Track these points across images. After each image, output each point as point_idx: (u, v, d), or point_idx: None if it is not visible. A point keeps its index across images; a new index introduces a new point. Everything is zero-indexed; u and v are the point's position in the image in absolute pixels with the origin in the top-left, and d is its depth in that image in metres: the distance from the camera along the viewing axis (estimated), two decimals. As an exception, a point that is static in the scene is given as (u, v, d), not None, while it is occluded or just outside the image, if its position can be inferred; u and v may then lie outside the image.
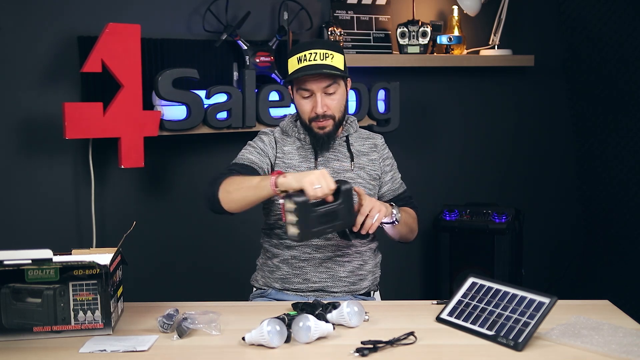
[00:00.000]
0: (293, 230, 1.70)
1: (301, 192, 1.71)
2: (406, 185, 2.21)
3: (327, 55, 1.95)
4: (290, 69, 1.99)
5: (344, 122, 2.12)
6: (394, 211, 1.96)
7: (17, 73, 2.45)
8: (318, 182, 1.70)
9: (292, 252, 2.03)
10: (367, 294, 2.11)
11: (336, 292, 2.03)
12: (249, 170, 1.97)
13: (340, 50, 2.01)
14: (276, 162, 2.06)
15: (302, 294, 2.03)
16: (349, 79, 2.08)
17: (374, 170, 2.11)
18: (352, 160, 2.08)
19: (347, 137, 2.11)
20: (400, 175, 2.21)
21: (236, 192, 1.83)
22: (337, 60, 1.97)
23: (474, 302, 1.68)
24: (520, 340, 1.52)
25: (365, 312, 1.70)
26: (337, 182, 1.76)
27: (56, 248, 1.68)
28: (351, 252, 2.04)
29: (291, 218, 1.69)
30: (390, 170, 2.16)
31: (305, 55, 1.95)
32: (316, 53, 1.95)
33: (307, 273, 2.02)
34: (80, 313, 1.61)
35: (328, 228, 1.76)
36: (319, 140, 2.03)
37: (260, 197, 1.80)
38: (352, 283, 2.05)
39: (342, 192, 1.76)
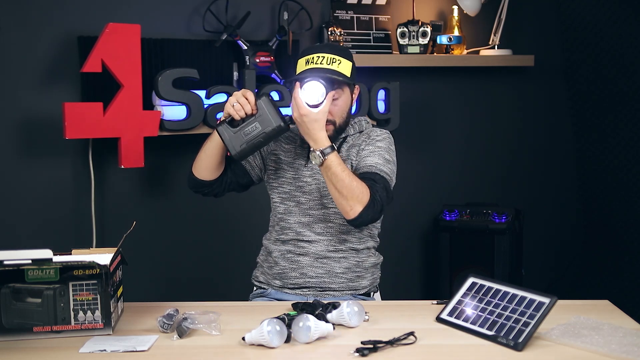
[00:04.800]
0: (229, 153, 1.92)
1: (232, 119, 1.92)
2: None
3: (334, 60, 1.96)
4: (298, 69, 2.00)
5: (349, 125, 2.11)
6: (318, 151, 1.84)
7: (17, 73, 2.45)
8: (235, 100, 1.88)
9: (287, 246, 2.07)
10: (367, 294, 2.11)
11: (335, 290, 2.04)
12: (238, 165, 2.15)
13: (349, 57, 2.01)
14: (270, 157, 2.14)
15: (300, 291, 2.04)
16: (357, 86, 2.08)
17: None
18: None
19: (345, 137, 2.10)
20: (379, 161, 1.99)
21: (199, 157, 2.05)
22: (344, 66, 1.97)
23: (474, 302, 1.68)
24: (520, 340, 1.52)
25: (365, 312, 1.70)
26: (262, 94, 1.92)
27: (56, 248, 1.68)
28: (345, 248, 2.05)
29: (222, 143, 1.93)
30: (364, 150, 2.03)
31: (313, 58, 1.96)
32: (324, 57, 1.96)
33: (303, 267, 2.04)
34: (80, 313, 1.61)
35: (255, 139, 1.89)
36: None
37: (214, 143, 2.00)
38: (350, 280, 2.05)
39: (257, 103, 1.90)
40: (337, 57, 1.97)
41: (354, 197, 1.85)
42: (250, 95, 1.88)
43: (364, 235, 2.09)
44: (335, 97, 1.97)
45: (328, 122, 1.97)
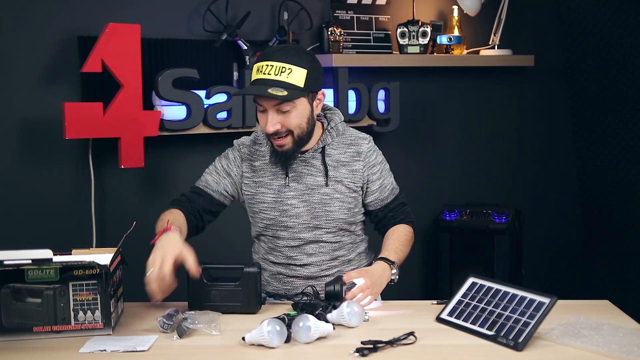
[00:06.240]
0: (188, 302, 1.78)
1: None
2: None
3: (284, 70, 1.76)
4: (252, 77, 1.82)
5: (325, 130, 1.94)
6: (393, 272, 1.91)
7: (17, 73, 2.45)
8: (152, 265, 1.72)
9: (277, 267, 1.98)
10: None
11: None
12: (201, 197, 1.98)
13: (304, 63, 1.79)
14: (244, 181, 1.96)
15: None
16: (321, 91, 1.87)
17: (354, 182, 1.94)
18: (326, 175, 1.92)
19: (323, 147, 1.93)
20: (392, 178, 2.03)
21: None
22: (295, 75, 1.76)
23: (474, 302, 1.68)
24: (520, 340, 1.52)
25: (365, 312, 1.70)
26: (245, 264, 1.76)
27: (56, 248, 1.68)
28: (338, 263, 1.98)
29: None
30: (378, 178, 1.97)
31: (263, 66, 1.78)
32: (272, 66, 1.76)
33: (298, 288, 1.95)
34: (80, 313, 1.61)
35: (221, 307, 1.73)
36: (279, 158, 1.89)
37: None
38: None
39: (244, 274, 1.75)
40: (288, 66, 1.76)
41: (413, 241, 2.05)
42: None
43: (357, 241, 2.03)
44: (287, 110, 1.79)
45: (282, 134, 1.83)
